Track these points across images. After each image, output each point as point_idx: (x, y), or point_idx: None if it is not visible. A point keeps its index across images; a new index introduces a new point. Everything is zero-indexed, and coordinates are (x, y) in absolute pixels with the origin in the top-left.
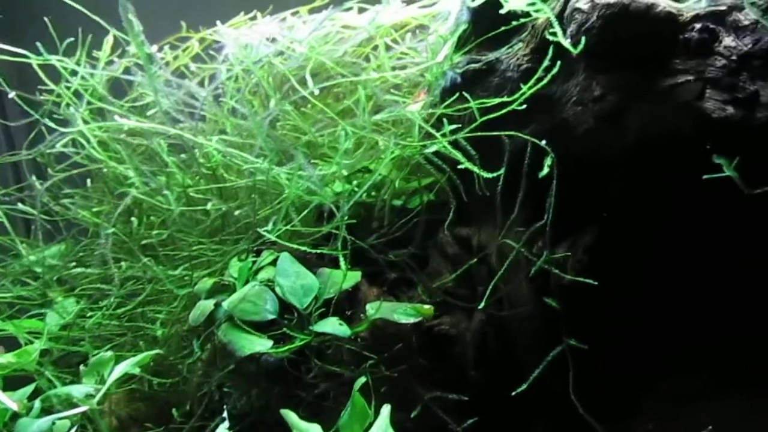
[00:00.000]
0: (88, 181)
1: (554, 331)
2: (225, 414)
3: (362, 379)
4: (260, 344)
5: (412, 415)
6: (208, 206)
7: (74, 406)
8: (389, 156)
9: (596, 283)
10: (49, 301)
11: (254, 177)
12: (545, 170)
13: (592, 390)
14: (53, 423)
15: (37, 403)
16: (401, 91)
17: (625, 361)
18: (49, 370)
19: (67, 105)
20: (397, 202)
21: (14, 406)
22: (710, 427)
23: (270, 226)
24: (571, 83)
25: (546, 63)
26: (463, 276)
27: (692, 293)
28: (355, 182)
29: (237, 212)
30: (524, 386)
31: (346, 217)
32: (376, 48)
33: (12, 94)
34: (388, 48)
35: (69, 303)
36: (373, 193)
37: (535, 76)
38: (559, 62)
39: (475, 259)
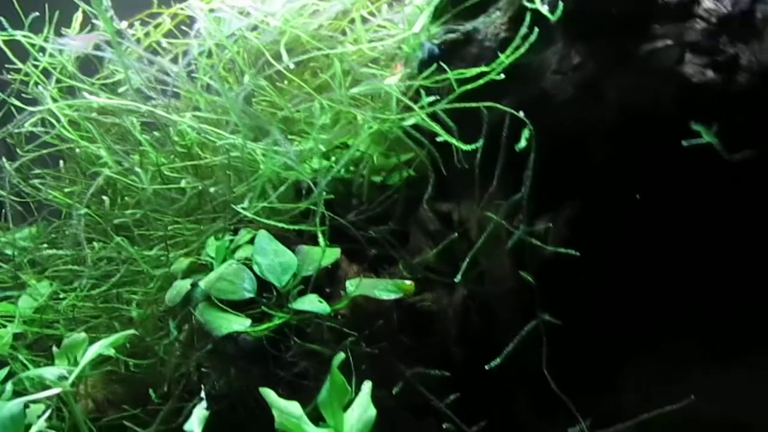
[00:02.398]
0: (61, 162)
1: (535, 306)
2: (203, 394)
3: (341, 356)
4: (238, 323)
5: (393, 392)
6: (182, 184)
7: (48, 389)
8: (367, 131)
9: (578, 254)
10: (21, 284)
11: (228, 154)
12: (523, 142)
13: (572, 364)
14: (25, 406)
15: (8, 386)
16: (379, 64)
17: (606, 334)
18: (23, 354)
19: (36, 84)
20: (377, 179)
21: None
22: (692, 396)
23: (246, 203)
24: (550, 52)
25: (523, 31)
26: (444, 252)
27: (674, 264)
28: (333, 158)
29: (212, 189)
30: (498, 360)
31: (324, 194)
32: (353, 21)
33: None
34: (364, 21)
35: (42, 286)
36: (351, 169)
37: (513, 45)
38: (537, 30)
39: (456, 234)
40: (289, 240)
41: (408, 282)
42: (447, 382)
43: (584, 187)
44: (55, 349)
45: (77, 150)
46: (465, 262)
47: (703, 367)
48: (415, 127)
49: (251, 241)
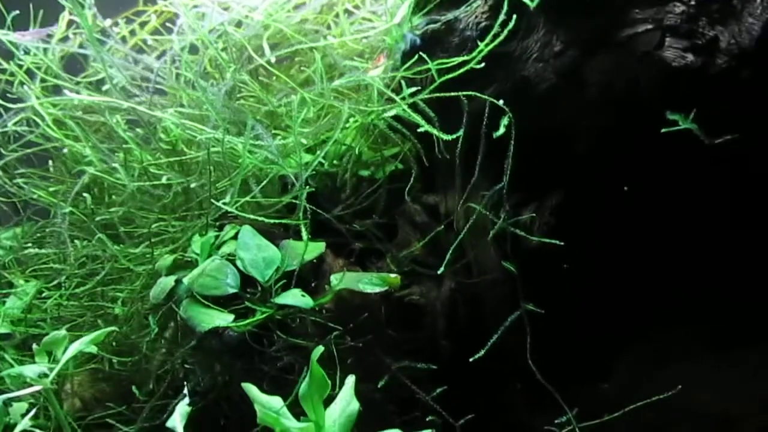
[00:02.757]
0: (50, 162)
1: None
2: (186, 391)
3: (320, 349)
4: (221, 319)
5: (379, 386)
6: (163, 180)
7: (29, 386)
8: (352, 124)
9: (562, 244)
10: (8, 283)
11: (209, 149)
12: (501, 130)
13: (559, 354)
14: (6, 404)
15: None
16: (364, 57)
17: (592, 323)
18: (11, 354)
19: (21, 83)
20: (365, 172)
21: None
22: (679, 387)
23: (228, 199)
24: (532, 39)
25: (502, 18)
26: (431, 244)
27: (660, 253)
28: (318, 152)
29: (193, 185)
30: (482, 352)
31: (309, 188)
32: (338, 15)
33: None
34: (349, 13)
35: (29, 286)
36: (336, 162)
37: (492, 33)
38: (517, 18)
39: (442, 226)
40: (275, 235)
41: (393, 275)
42: (435, 376)
43: (568, 175)
44: (35, 346)
45: (64, 149)
46: (449, 253)
47: (692, 357)
48: (399, 119)
49: (236, 237)
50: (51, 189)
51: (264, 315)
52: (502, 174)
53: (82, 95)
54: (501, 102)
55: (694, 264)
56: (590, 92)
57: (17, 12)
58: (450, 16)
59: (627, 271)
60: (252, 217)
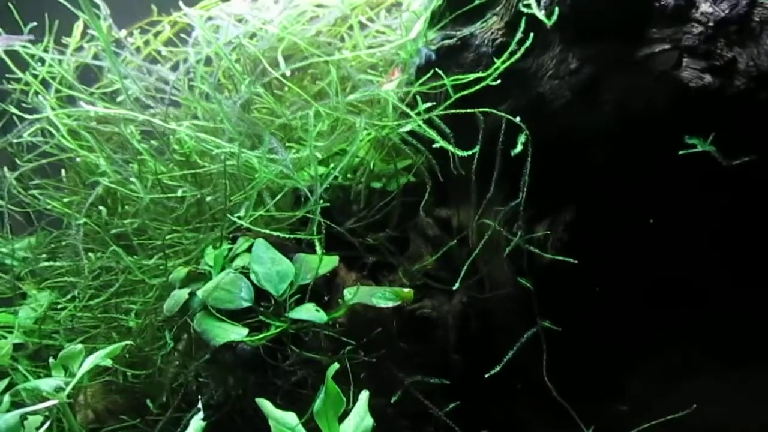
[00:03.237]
0: (63, 171)
1: (534, 312)
2: (200, 405)
3: (335, 365)
4: (235, 332)
5: (392, 401)
6: (179, 193)
7: (45, 400)
8: (365, 138)
9: (576, 261)
10: (21, 294)
11: (224, 162)
12: (518, 147)
13: (573, 371)
14: (23, 417)
15: (6, 398)
16: (377, 70)
17: (605, 341)
18: (24, 365)
19: (36, 93)
20: (377, 185)
21: None
22: (694, 406)
23: (242, 212)
24: (547, 56)
25: (519, 36)
26: (443, 258)
27: (674, 270)
28: (332, 165)
29: (208, 198)
30: (498, 368)
31: (322, 201)
32: (351, 28)
33: None
34: (363, 26)
35: (43, 296)
36: (349, 176)
37: (509, 50)
38: (534, 35)
39: (455, 241)
40: (288, 248)
41: (406, 289)
42: (446, 390)
43: (581, 192)
44: (52, 360)
45: (77, 159)
46: (464, 268)
47: (704, 374)
48: (414, 134)
49: (249, 250)
50: (65, 200)
51: (278, 329)
52: (516, 189)
53: (97, 107)
54: (517, 119)
55: (708, 281)
56: (606, 110)
57: (34, 24)
58: (466, 32)
59: (639, 287)
60: (266, 231)
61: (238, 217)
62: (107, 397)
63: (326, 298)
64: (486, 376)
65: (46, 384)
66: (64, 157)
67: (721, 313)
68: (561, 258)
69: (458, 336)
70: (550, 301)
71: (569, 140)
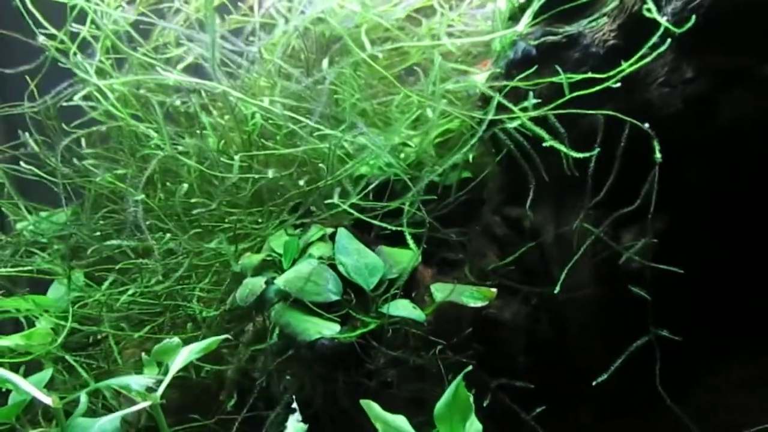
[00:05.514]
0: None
1: (613, 317)
2: (294, 404)
3: (467, 368)
4: (327, 328)
5: (484, 404)
6: (270, 174)
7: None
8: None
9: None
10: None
11: (310, 144)
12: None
13: (641, 378)
14: (122, 420)
15: (83, 398)
16: (449, 59)
17: (681, 349)
18: (59, 353)
19: (74, 53)
20: (437, 178)
21: (48, 401)
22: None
23: (336, 198)
24: (658, 63)
25: (636, 40)
26: (509, 257)
27: (756, 286)
28: (402, 155)
29: (281, 182)
30: (605, 376)
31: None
32: (424, 11)
33: None
34: (435, 12)
35: (77, 277)
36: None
37: (639, 53)
38: (646, 40)
39: (534, 243)
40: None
41: (493, 289)
42: (511, 392)
43: (678, 202)
44: (144, 356)
45: (122, 128)
46: (563, 273)
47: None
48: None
49: (323, 239)
50: (111, 173)
51: (374, 325)
52: (603, 193)
53: (176, 75)
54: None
55: None
56: (721, 124)
57: None
58: (571, 29)
59: (721, 299)
60: (365, 217)
61: (340, 202)
62: (172, 393)
63: (413, 295)
64: (594, 384)
65: (136, 382)
66: (106, 127)
67: None
68: (653, 265)
69: (527, 338)
70: (632, 307)
71: (670, 149)
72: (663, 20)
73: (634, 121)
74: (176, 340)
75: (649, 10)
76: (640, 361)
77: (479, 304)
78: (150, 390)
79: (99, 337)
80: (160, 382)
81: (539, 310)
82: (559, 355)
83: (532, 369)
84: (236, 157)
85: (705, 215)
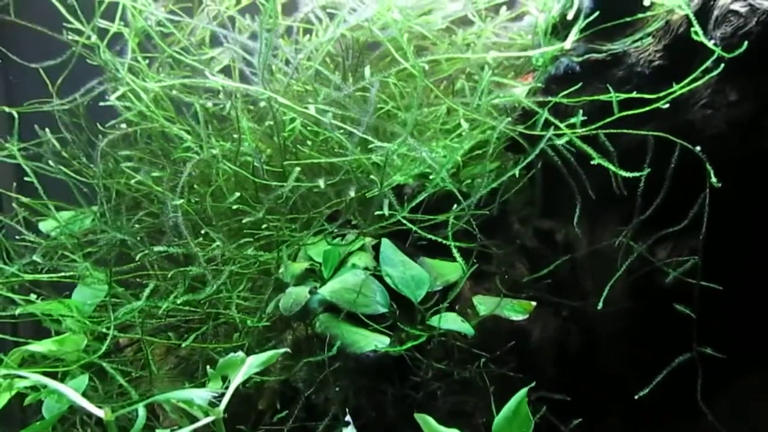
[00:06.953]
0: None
1: (645, 331)
2: (348, 417)
3: (530, 385)
4: (377, 340)
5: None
6: (320, 183)
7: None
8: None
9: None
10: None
11: (357, 155)
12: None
13: (671, 388)
14: None
15: (141, 411)
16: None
17: (710, 361)
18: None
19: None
20: (465, 189)
21: (100, 413)
22: None
23: (386, 209)
24: (701, 85)
25: (681, 62)
26: (539, 270)
27: None
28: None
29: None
30: (646, 390)
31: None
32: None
33: None
34: (471, 23)
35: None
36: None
37: (692, 76)
38: (690, 62)
39: (568, 256)
40: None
41: (531, 302)
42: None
43: (713, 220)
44: (210, 369)
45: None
46: (608, 285)
47: None
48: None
49: (363, 249)
50: (141, 175)
51: (423, 338)
52: (649, 211)
53: (218, 78)
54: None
55: None
56: (764, 146)
57: None
58: (616, 47)
59: (752, 313)
60: (414, 227)
61: (393, 212)
62: None
63: (457, 307)
64: (636, 397)
65: (198, 396)
66: (139, 129)
67: None
68: (696, 282)
69: (556, 350)
70: (665, 321)
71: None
72: (710, 44)
73: (682, 142)
74: (241, 354)
75: (696, 33)
76: (671, 373)
77: (520, 317)
78: (212, 404)
79: (130, 342)
80: (222, 395)
81: (569, 322)
82: (589, 367)
83: (561, 380)
84: (284, 165)
85: (748, 234)
